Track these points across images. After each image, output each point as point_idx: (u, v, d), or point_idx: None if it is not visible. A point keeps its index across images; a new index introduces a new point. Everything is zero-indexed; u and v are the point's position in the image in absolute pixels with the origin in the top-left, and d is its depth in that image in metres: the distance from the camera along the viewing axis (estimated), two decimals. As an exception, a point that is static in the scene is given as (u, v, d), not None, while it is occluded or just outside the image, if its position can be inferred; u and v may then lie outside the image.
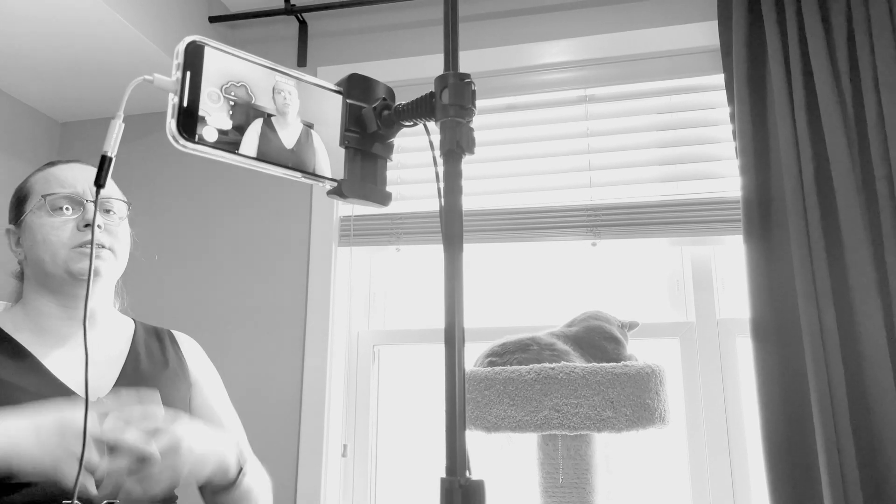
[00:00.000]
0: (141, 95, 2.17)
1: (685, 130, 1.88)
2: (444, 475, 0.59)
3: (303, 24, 2.16)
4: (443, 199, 0.63)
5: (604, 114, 1.95)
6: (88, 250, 1.04)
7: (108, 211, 1.11)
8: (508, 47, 2.00)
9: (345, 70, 2.13)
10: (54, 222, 1.05)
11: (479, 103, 2.03)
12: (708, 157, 1.85)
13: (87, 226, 1.05)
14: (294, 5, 2.10)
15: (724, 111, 1.87)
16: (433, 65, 2.05)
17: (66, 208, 1.06)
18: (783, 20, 1.71)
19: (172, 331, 1.25)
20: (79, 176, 1.10)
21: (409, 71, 2.06)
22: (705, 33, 1.87)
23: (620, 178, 1.89)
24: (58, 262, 1.05)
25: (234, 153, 0.63)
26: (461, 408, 0.59)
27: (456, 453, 0.58)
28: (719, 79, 1.88)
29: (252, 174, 2.13)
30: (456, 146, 0.64)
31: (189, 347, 1.24)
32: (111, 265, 1.09)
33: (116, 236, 1.10)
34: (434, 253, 2.02)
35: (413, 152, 2.05)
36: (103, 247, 1.07)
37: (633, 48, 1.92)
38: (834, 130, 1.59)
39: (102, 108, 2.26)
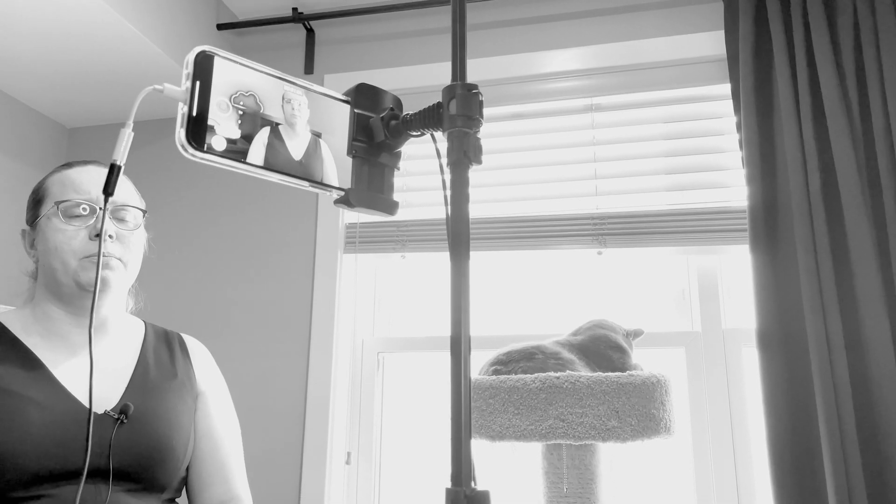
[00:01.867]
0: (149, 102, 2.18)
1: (691, 140, 1.88)
2: (449, 485, 0.59)
3: (310, 32, 2.18)
4: (450, 209, 0.63)
5: (610, 123, 1.95)
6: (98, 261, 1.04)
7: (121, 220, 1.10)
8: (515, 56, 2.01)
9: (351, 77, 2.13)
10: (67, 230, 1.04)
11: (485, 111, 2.04)
12: (714, 167, 1.85)
13: (98, 235, 1.04)
14: (302, 13, 2.11)
15: (731, 121, 1.87)
16: (439, 72, 2.06)
17: (80, 215, 1.06)
18: (790, 30, 1.71)
19: (183, 335, 1.23)
20: (95, 180, 1.09)
21: (416, 79, 2.07)
22: (712, 43, 1.87)
23: (626, 187, 1.89)
24: (68, 272, 1.04)
25: (243, 162, 0.64)
26: (466, 417, 0.59)
27: (461, 463, 0.58)
28: (726, 88, 1.88)
29: (259, 182, 2.14)
30: (463, 156, 0.64)
31: (198, 355, 1.22)
32: (121, 275, 1.08)
33: (128, 246, 1.09)
34: (439, 261, 2.02)
35: (419, 160, 2.06)
36: (113, 257, 1.06)
37: (639, 57, 1.92)
38: (841, 140, 1.59)
39: (110, 114, 2.27)
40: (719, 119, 1.88)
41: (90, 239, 1.04)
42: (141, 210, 1.13)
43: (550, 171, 1.95)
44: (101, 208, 1.06)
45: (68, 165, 1.12)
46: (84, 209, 1.06)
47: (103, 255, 1.04)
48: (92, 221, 1.06)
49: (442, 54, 2.09)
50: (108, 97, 2.16)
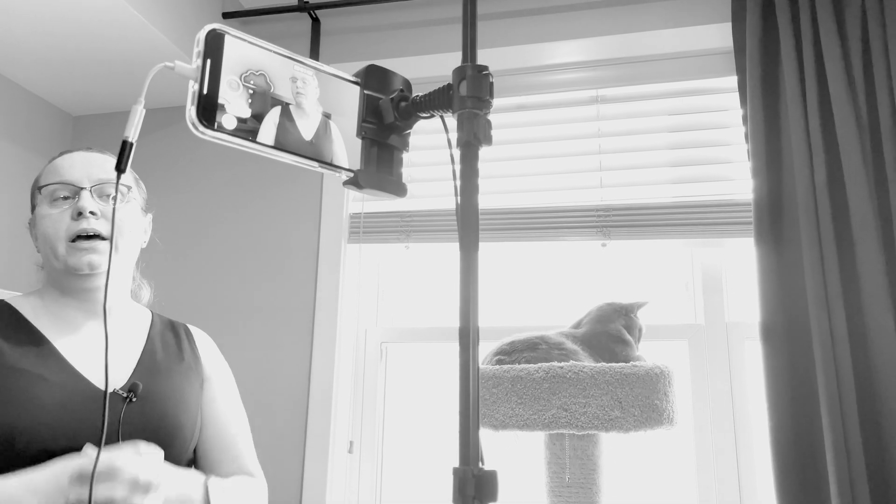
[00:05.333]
0: (153, 91, 2.18)
1: (697, 132, 1.88)
2: (457, 465, 0.59)
3: (315, 22, 2.17)
4: (459, 190, 0.63)
5: (615, 114, 1.95)
6: (83, 244, 1.03)
7: (109, 196, 1.08)
8: (520, 47, 2.00)
9: (356, 68, 2.13)
10: (52, 214, 1.04)
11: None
12: (719, 160, 1.85)
13: (80, 214, 1.03)
14: (307, 2, 2.11)
15: (737, 113, 1.86)
16: (445, 63, 2.05)
17: (65, 198, 1.05)
18: (797, 22, 1.71)
19: (188, 325, 1.24)
20: (76, 163, 1.08)
21: (421, 69, 2.07)
22: (719, 35, 1.86)
23: (631, 180, 1.89)
24: (58, 258, 1.04)
25: (253, 141, 0.64)
26: (475, 399, 0.60)
27: (469, 443, 0.58)
28: (732, 81, 1.88)
29: (262, 169, 2.14)
30: (473, 138, 0.64)
31: (204, 343, 1.23)
32: (111, 252, 1.07)
33: (115, 223, 1.07)
34: (443, 251, 2.02)
35: (423, 150, 2.05)
36: (99, 236, 1.04)
37: (645, 49, 1.91)
38: (847, 133, 1.58)
39: (115, 102, 2.27)
40: (725, 112, 1.88)
41: (72, 219, 1.04)
42: (125, 186, 1.11)
43: (555, 162, 1.95)
44: (81, 188, 1.05)
45: (61, 154, 1.13)
46: (66, 192, 1.05)
47: (88, 235, 1.03)
48: (75, 202, 1.05)
49: (447, 45, 2.09)
50: (113, 85, 2.15)
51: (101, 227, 1.05)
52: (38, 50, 1.95)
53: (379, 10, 2.16)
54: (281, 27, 2.25)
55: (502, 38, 2.04)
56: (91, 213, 1.04)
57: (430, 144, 2.06)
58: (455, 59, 2.05)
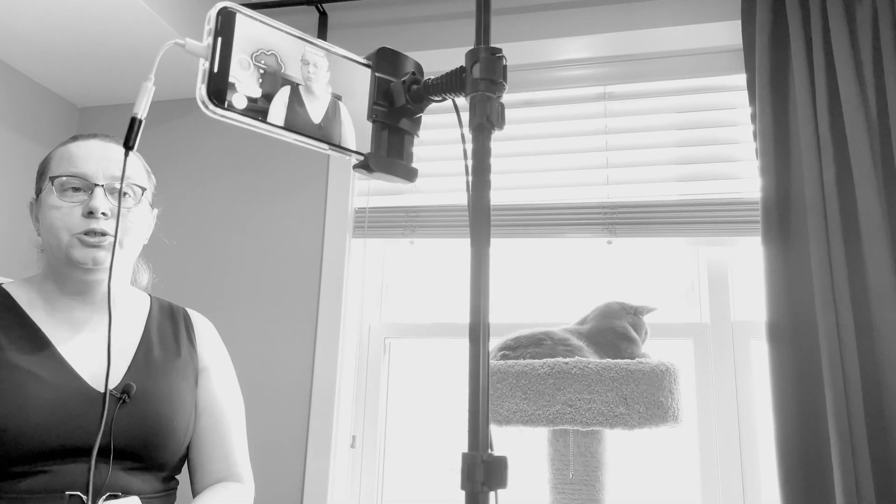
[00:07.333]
0: (157, 86, 2.17)
1: (704, 130, 1.87)
2: (466, 451, 0.58)
3: (323, 15, 2.16)
4: (471, 174, 0.63)
5: (623, 111, 1.94)
6: (91, 239, 1.01)
7: (123, 194, 1.06)
8: (528, 42, 2.00)
9: (364, 62, 2.12)
10: (62, 206, 1.02)
11: (497, 98, 2.02)
12: (727, 158, 1.84)
13: (90, 213, 1.01)
14: (315, -4, 2.10)
15: (745, 112, 1.85)
16: (453, 58, 2.04)
17: (75, 190, 1.03)
18: (807, 21, 1.70)
19: (188, 311, 1.21)
20: (93, 154, 1.05)
21: (429, 64, 2.06)
22: (728, 32, 1.86)
23: (638, 177, 1.88)
24: (62, 248, 1.02)
25: (262, 121, 0.63)
26: (485, 383, 0.59)
27: (479, 429, 0.58)
28: (740, 79, 1.87)
29: (268, 162, 2.13)
30: (486, 121, 0.63)
31: (202, 330, 1.20)
32: (115, 254, 1.04)
33: (123, 223, 1.05)
34: (448, 247, 2.02)
35: (429, 145, 2.05)
36: (105, 234, 1.02)
37: (654, 46, 1.91)
38: (856, 132, 1.57)
39: (121, 93, 2.27)
40: (733, 110, 1.87)
41: (83, 216, 1.01)
42: (140, 187, 1.09)
43: (561, 159, 1.94)
44: (96, 184, 1.03)
45: (74, 139, 1.09)
46: (78, 185, 1.03)
47: (96, 234, 1.01)
48: (86, 198, 1.02)
49: (455, 40, 2.08)
50: (119, 77, 2.15)
51: (111, 227, 1.03)
52: (45, 40, 1.94)
53: (387, 4, 2.15)
54: (288, 21, 2.24)
55: (510, 34, 2.03)
56: (103, 213, 1.02)
57: (435, 139, 2.05)
58: (463, 53, 2.05)
